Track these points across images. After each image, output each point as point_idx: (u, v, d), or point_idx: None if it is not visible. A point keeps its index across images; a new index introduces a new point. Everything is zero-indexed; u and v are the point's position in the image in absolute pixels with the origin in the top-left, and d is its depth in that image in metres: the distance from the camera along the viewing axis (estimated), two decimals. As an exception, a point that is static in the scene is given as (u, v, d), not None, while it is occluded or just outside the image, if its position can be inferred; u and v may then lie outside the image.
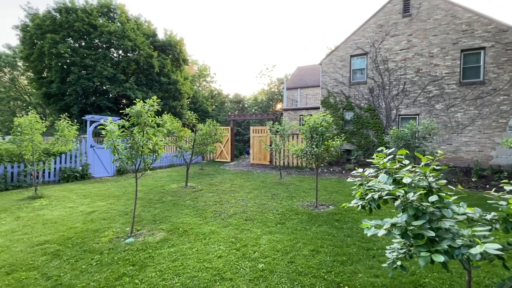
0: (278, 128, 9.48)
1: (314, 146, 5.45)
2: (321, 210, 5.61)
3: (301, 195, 6.99)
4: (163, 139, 4.64)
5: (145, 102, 4.28)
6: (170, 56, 24.86)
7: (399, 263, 1.97)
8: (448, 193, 1.78)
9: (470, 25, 10.89)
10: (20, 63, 30.44)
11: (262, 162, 13.87)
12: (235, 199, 6.53)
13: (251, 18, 70.03)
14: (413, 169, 1.90)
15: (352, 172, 2.24)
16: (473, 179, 8.93)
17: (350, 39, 13.60)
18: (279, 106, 31.62)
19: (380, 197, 1.75)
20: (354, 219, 4.96)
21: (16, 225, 4.61)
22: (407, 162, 2.06)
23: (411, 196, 1.58)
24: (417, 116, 11.97)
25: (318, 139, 5.40)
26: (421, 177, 1.80)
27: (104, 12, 21.70)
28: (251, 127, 14.31)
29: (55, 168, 8.73)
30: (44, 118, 7.19)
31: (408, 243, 1.88)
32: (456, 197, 1.80)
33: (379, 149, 2.30)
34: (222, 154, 15.56)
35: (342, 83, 13.83)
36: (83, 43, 20.59)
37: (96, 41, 20.71)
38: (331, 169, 11.57)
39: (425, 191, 1.71)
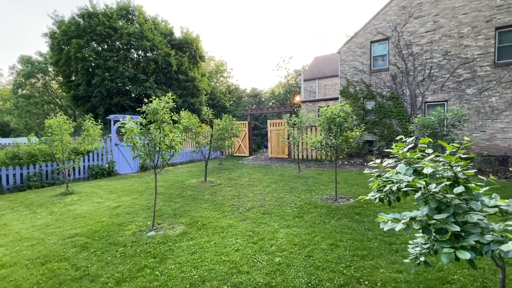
0: (295, 121, 9.31)
1: (332, 138, 5.28)
2: (341, 203, 5.45)
3: (320, 188, 6.85)
4: (180, 135, 4.72)
5: (160, 100, 4.35)
6: (187, 53, 25.23)
7: (422, 258, 1.85)
8: (478, 184, 1.62)
9: (506, -1, 9.88)
10: (50, 69, 32.49)
11: (280, 155, 13.77)
12: (253, 193, 6.54)
13: (266, 11, 68.97)
14: (437, 158, 1.76)
15: (369, 163, 2.12)
16: (510, 169, 8.22)
17: (370, 24, 12.93)
18: (297, 99, 31.09)
19: (399, 189, 1.64)
20: (375, 212, 4.77)
21: (50, 219, 4.96)
22: (430, 151, 1.91)
23: (433, 187, 1.46)
24: (445, 103, 11.19)
25: (336, 130, 5.22)
26: (446, 167, 1.65)
27: (123, 14, 22.41)
28: (268, 121, 14.21)
29: (84, 166, 9.27)
30: (73, 120, 7.60)
31: (432, 237, 1.75)
32: (487, 188, 1.64)
33: (397, 138, 2.15)
34: (240, 148, 15.65)
35: (362, 71, 13.24)
36: (105, 46, 21.48)
37: (117, 43, 21.50)
38: (352, 161, 11.22)
39: (450, 182, 1.57)
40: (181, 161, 13.49)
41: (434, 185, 1.47)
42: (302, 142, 11.16)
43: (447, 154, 1.71)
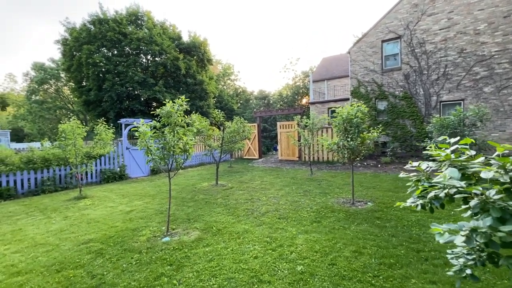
0: (307, 122, 9.15)
1: (349, 139, 5.10)
2: (359, 207, 5.25)
3: (335, 191, 6.65)
4: (193, 138, 4.64)
5: (174, 102, 4.28)
6: (195, 57, 25.40)
7: (469, 271, 1.67)
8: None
9: (526, -7, 9.51)
10: (62, 75, 33.27)
11: (291, 158, 13.58)
12: (266, 197, 6.40)
13: (272, 13, 69.11)
14: (488, 161, 1.59)
15: (406, 166, 1.96)
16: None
17: (381, 23, 12.68)
18: (304, 100, 30.85)
19: (447, 195, 1.48)
20: (397, 216, 4.56)
21: (64, 224, 4.94)
22: (473, 152, 1.74)
23: (492, 194, 1.29)
24: (461, 102, 10.82)
25: (353, 131, 5.03)
26: (499, 171, 1.48)
27: (133, 20, 22.75)
28: (278, 123, 14.06)
29: (96, 170, 9.32)
30: (85, 124, 7.65)
31: (477, 247, 1.58)
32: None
33: (439, 138, 1.98)
34: (249, 151, 15.54)
35: (373, 71, 12.97)
36: (115, 51, 21.82)
37: (127, 48, 21.81)
38: (365, 163, 10.94)
39: (503, 187, 1.40)
40: (191, 164, 13.47)
41: (493, 191, 1.31)
42: (313, 144, 10.97)
43: (497, 156, 1.54)
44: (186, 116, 4.47)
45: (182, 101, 4.36)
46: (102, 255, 3.56)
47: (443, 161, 1.73)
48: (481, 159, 1.58)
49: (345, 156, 5.44)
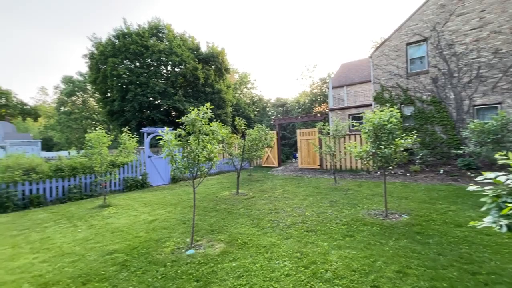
0: (329, 129, 8.82)
1: (382, 147, 4.76)
2: (393, 220, 4.85)
3: (364, 202, 6.25)
4: (218, 146, 4.52)
5: (199, 110, 4.20)
6: (213, 67, 25.87)
7: None
8: None
9: None
10: (89, 87, 35.10)
11: (311, 166, 13.19)
12: (290, 207, 6.12)
13: (288, 21, 69.64)
14: None
15: (478, 178, 1.67)
16: None
17: (405, 26, 12.21)
18: (322, 107, 30.31)
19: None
20: (440, 232, 4.13)
21: (89, 233, 4.94)
22: None
23: None
24: (498, 105, 10.04)
25: (386, 138, 4.70)
26: None
27: (154, 33, 23.65)
28: (298, 130, 13.79)
29: (119, 178, 9.48)
30: (109, 133, 7.85)
31: None
32: None
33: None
34: (269, 159, 15.31)
35: (398, 75, 12.45)
36: (138, 63, 22.69)
37: (148, 60, 22.62)
38: (392, 172, 10.35)
39: None
40: (210, 172, 13.42)
41: None
42: (337, 152, 10.56)
43: None
44: (210, 124, 4.36)
45: (207, 108, 4.26)
46: (127, 268, 3.45)
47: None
48: None
49: (377, 164, 5.09)
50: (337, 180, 9.36)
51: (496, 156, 1.77)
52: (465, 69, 10.70)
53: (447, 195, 6.45)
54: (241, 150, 8.11)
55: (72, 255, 3.95)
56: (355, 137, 11.63)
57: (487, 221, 1.47)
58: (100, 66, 22.88)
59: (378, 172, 10.51)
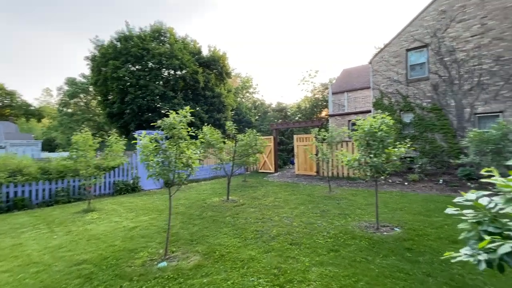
0: (325, 135, 8.57)
1: (372, 156, 4.50)
2: (384, 233, 4.56)
3: (356, 213, 5.96)
4: (198, 152, 4.30)
5: (178, 113, 3.99)
6: (214, 71, 25.86)
7: None
8: None
9: None
10: (91, 89, 35.31)
11: (308, 172, 12.90)
12: (279, 216, 5.86)
13: (291, 26, 69.93)
14: None
15: (456, 199, 1.42)
16: None
17: (405, 32, 12.00)
18: (324, 113, 30.05)
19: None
20: (432, 248, 3.83)
21: (64, 240, 4.71)
22: None
23: None
24: (500, 114, 9.71)
25: (376, 146, 4.44)
26: None
27: (156, 36, 23.75)
28: (295, 136, 13.53)
29: (109, 182, 9.29)
30: (109, 135, 7.71)
31: None
32: None
33: (509, 162, 1.44)
34: (265, 164, 15.05)
35: (398, 81, 12.20)
36: (138, 66, 22.75)
37: (149, 63, 22.68)
38: (390, 180, 10.03)
39: None
40: (204, 177, 13.21)
41: None
42: (332, 159, 10.29)
43: None
44: (191, 128, 4.14)
45: (187, 112, 4.06)
46: (91, 281, 3.22)
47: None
48: None
49: (368, 174, 4.82)
50: (333, 188, 9.06)
51: (482, 172, 1.52)
52: (466, 76, 10.42)
53: (444, 207, 6.07)
54: (232, 155, 7.88)
55: (38, 265, 3.73)
56: (352, 144, 11.35)
57: (464, 253, 1.21)
58: (101, 68, 22.99)
59: (383, 181, 10.19)
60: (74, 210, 7.06)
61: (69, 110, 39.25)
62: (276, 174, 14.11)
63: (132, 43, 21.88)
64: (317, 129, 9.32)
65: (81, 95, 38.84)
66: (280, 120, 30.34)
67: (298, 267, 3.39)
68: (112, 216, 6.27)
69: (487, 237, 1.09)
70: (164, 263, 3.62)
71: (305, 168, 13.06)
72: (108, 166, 8.64)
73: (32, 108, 53.84)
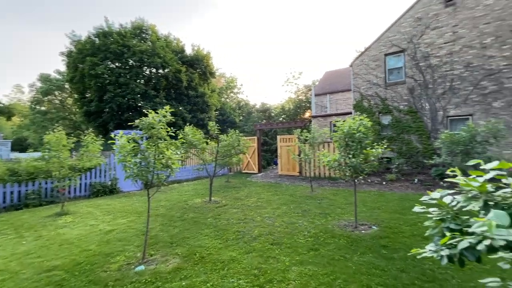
0: (307, 136, 8.71)
1: (350, 156, 4.63)
2: (362, 232, 4.70)
3: (336, 212, 6.10)
4: (179, 152, 4.22)
5: (157, 113, 3.89)
6: (197, 70, 25.52)
7: None
8: None
9: (533, 7, 9.24)
10: (67, 86, 33.65)
11: (291, 173, 13.05)
12: (261, 217, 5.87)
13: (276, 27, 70.54)
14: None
15: (423, 198, 1.49)
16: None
17: (384, 37, 12.47)
18: (307, 114, 30.56)
19: (490, 248, 1.00)
20: (406, 245, 4.00)
21: (34, 246, 4.45)
22: (511, 180, 1.28)
23: None
24: (470, 117, 10.34)
25: (355, 147, 4.57)
26: None
27: (137, 33, 23.06)
28: (278, 136, 13.65)
29: (85, 183, 8.89)
30: (85, 135, 7.35)
31: None
32: None
33: (470, 163, 1.52)
34: (249, 165, 15.05)
35: (377, 84, 12.64)
36: (118, 64, 21.97)
37: (130, 60, 21.96)
38: (369, 180, 10.36)
39: None
40: (187, 178, 12.99)
41: None
42: (314, 159, 10.48)
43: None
44: (171, 128, 4.05)
45: (166, 111, 3.96)
46: (62, 288, 3.06)
47: (481, 193, 1.26)
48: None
49: (347, 174, 4.95)
50: (314, 188, 9.22)
51: (448, 172, 1.60)
52: (439, 80, 11.00)
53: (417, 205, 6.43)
54: (215, 156, 7.81)
55: (3, 273, 3.49)
56: (333, 145, 11.62)
57: (429, 249, 1.28)
58: (78, 65, 21.96)
59: (357, 181, 10.50)
60: (45, 213, 6.68)
61: (43, 108, 37.16)
62: (259, 174, 14.15)
63: (112, 39, 21.09)
64: (299, 130, 9.45)
65: (56, 93, 36.88)
66: (264, 121, 30.48)
67: (279, 267, 3.42)
68: (87, 219, 6.00)
69: (449, 234, 1.16)
70: (142, 267, 3.51)
71: (288, 169, 13.20)
72: (84, 167, 8.27)
73: (0, 105, 50.42)
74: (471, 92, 10.30)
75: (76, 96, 24.47)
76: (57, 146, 6.34)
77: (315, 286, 2.94)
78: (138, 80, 22.07)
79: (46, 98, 36.18)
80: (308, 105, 30.96)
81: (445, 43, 10.88)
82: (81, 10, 65.90)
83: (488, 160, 4.90)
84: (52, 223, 5.80)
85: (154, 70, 23.58)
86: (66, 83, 31.70)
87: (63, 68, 37.23)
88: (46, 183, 7.98)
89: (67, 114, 37.59)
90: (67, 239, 4.75)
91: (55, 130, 6.43)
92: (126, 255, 3.94)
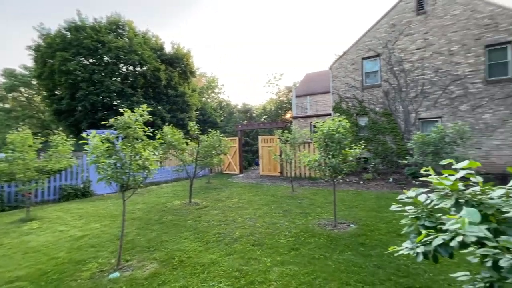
0: (288, 137, 8.80)
1: (330, 156, 4.73)
2: (341, 230, 4.81)
3: (316, 211, 6.21)
4: (156, 153, 4.07)
5: (133, 112, 3.72)
6: (177, 69, 24.92)
7: None
8: None
9: (493, 18, 10.02)
10: (35, 82, 31.43)
11: (272, 173, 13.12)
12: (242, 218, 5.83)
13: (257, 28, 70.84)
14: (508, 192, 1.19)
15: (399, 197, 1.54)
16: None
17: (361, 41, 12.93)
18: (288, 115, 30.96)
19: (462, 244, 1.04)
20: (382, 242, 4.15)
21: (-6, 255, 4.08)
22: (479, 179, 1.35)
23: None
24: (439, 119, 11.00)
25: (334, 147, 4.67)
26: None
27: (113, 29, 22.07)
28: (260, 137, 13.68)
29: (54, 186, 8.33)
30: (54, 135, 6.83)
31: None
32: None
33: (443, 162, 1.58)
34: (230, 166, 14.94)
35: (354, 87, 13.08)
36: (92, 60, 20.87)
37: (105, 57, 20.95)
38: (347, 179, 10.68)
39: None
40: (166, 179, 12.62)
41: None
42: (295, 160, 10.62)
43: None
44: (148, 128, 3.89)
45: (143, 110, 3.81)
46: (25, 301, 2.82)
47: (452, 191, 1.31)
48: (501, 192, 1.18)
49: (326, 174, 5.05)
50: (295, 188, 9.33)
51: (421, 171, 1.66)
52: (412, 84, 11.60)
53: (392, 204, 6.72)
54: (195, 156, 7.65)
55: (-44, 287, 3.15)
56: (313, 145, 11.85)
57: (405, 246, 1.32)
58: (47, 60, 20.57)
59: (336, 180, 10.77)
60: (8, 219, 6.17)
61: (6, 106, 34.41)
62: (241, 175, 14.09)
63: (85, 34, 19.98)
64: (280, 130, 9.52)
65: (22, 89, 34.33)
66: (246, 121, 30.45)
67: (260, 268, 3.39)
68: (56, 225, 5.62)
69: (424, 231, 1.19)
70: (116, 274, 3.33)
71: (269, 169, 13.26)
72: (53, 169, 7.74)
73: (-43, 102, 45.96)
74: (440, 96, 10.96)
75: (44, 93, 22.90)
76: (22, 146, 5.87)
77: (296, 286, 2.95)
78: (114, 78, 21.12)
79: (10, 94, 33.55)
80: (289, 106, 31.37)
81: (417, 49, 11.50)
82: (54, 8, 61.93)
83: (456, 160, 5.20)
84: (15, 229, 5.36)
85: (131, 68, 22.68)
86: (34, 79, 29.61)
87: (30, 63, 34.74)
88: (9, 186, 7.37)
89: (34, 112, 35.11)
90: (33, 246, 4.40)
91: (19, 129, 5.94)
92: (99, 262, 3.72)
